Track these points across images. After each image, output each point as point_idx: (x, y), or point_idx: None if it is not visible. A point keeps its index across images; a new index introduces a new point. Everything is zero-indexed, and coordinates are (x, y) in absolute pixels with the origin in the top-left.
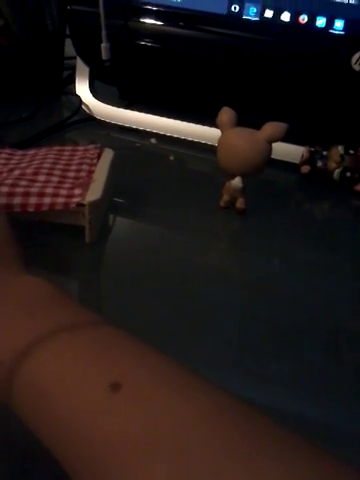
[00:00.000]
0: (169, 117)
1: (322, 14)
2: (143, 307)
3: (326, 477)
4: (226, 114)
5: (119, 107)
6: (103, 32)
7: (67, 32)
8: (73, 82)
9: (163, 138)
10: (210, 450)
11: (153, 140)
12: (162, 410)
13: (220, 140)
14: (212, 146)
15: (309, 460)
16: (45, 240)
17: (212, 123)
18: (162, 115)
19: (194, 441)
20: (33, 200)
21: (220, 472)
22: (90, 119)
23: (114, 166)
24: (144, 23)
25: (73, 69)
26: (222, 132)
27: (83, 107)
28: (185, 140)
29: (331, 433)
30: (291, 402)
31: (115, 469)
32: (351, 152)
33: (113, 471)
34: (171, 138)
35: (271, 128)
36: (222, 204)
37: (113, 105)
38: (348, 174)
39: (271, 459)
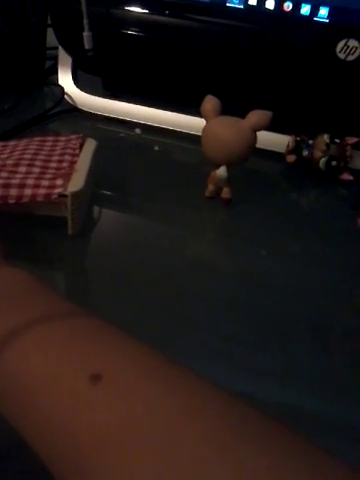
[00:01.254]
0: (153, 107)
1: (307, 2)
2: (128, 299)
3: (312, 470)
4: (210, 103)
5: (103, 97)
6: (85, 21)
7: (49, 21)
8: (56, 72)
9: (148, 128)
10: (194, 442)
11: (138, 130)
12: (145, 402)
13: (204, 129)
14: (197, 136)
15: (295, 453)
16: (27, 232)
17: (197, 113)
18: (146, 105)
19: (177, 433)
20: (14, 192)
21: (204, 464)
22: (73, 110)
23: (97, 156)
24: (127, 11)
25: (56, 59)
26: (206, 121)
27: (66, 98)
28: (170, 130)
29: (320, 423)
30: (280, 393)
31: (98, 462)
32: (337, 141)
33: (96, 464)
34: (156, 128)
35: (256, 116)
36: (207, 194)
37: (97, 95)
38: (334, 163)
39: (255, 451)
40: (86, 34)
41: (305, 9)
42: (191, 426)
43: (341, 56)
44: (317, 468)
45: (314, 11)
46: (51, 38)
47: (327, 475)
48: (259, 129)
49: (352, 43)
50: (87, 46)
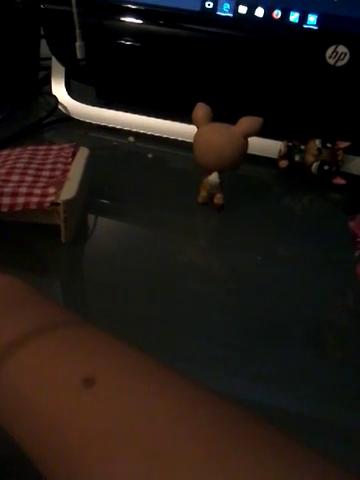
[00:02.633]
0: (146, 115)
1: (295, 9)
2: (123, 306)
3: (300, 469)
4: (201, 110)
5: (96, 106)
6: (77, 31)
7: (42, 32)
8: (49, 83)
9: (141, 136)
10: (184, 446)
11: (131, 138)
12: (136, 405)
13: (196, 136)
14: (190, 143)
15: (288, 456)
16: (20, 240)
17: (190, 120)
18: (139, 113)
19: (169, 437)
20: (6, 200)
21: (194, 468)
22: (67, 119)
23: (90, 164)
24: (118, 21)
25: (49, 70)
26: (198, 128)
27: (60, 107)
28: (163, 138)
29: (315, 426)
30: (275, 397)
31: (90, 465)
32: (328, 145)
33: (88, 467)
34: (149, 136)
35: (247, 122)
36: (200, 200)
37: (90, 104)
38: (326, 167)
39: (246, 455)
40: (78, 44)
41: (294, 16)
42: (182, 430)
43: (331, 62)
44: (310, 471)
45: (303, 18)
46: (44, 49)
47: (316, 472)
48: (250, 135)
49: (341, 49)
50: (79, 56)
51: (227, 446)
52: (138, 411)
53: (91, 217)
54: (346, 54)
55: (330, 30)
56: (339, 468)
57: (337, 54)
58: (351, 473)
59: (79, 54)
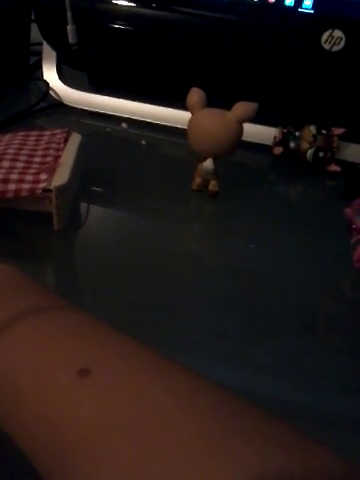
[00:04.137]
0: (140, 101)
1: None
2: (116, 294)
3: (301, 461)
4: (195, 95)
5: (88, 92)
6: (68, 14)
7: (32, 17)
8: (40, 68)
9: (134, 123)
10: (183, 436)
11: (124, 125)
12: (132, 395)
13: (190, 121)
14: (184, 130)
15: (284, 443)
16: (12, 228)
17: (183, 106)
18: (132, 99)
19: (165, 425)
20: None
21: (194, 458)
22: (59, 105)
23: (82, 150)
24: (112, 4)
25: (40, 55)
26: (192, 113)
27: (51, 93)
28: (157, 124)
29: (314, 415)
30: (272, 386)
31: (84, 455)
32: (323, 132)
33: (82, 458)
34: (142, 122)
35: (241, 108)
36: (194, 187)
37: (82, 90)
38: (321, 154)
39: (243, 442)
40: (70, 28)
41: (289, 0)
42: (180, 420)
43: (326, 47)
44: (308, 461)
45: (298, 2)
46: (36, 34)
47: (319, 464)
48: (245, 120)
49: (337, 34)
50: (71, 40)
51: (227, 436)
52: (135, 401)
53: (83, 204)
54: (342, 39)
55: (326, 14)
56: (334, 452)
57: (333, 39)
58: (345, 460)
59: (71, 38)
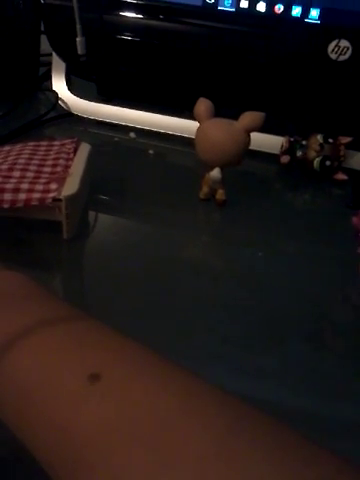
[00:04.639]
0: (148, 111)
1: (297, 3)
2: (125, 302)
3: (307, 466)
4: (203, 105)
5: (97, 102)
6: (77, 26)
7: (42, 28)
8: (50, 78)
9: (142, 132)
10: (190, 439)
11: (132, 134)
12: (141, 400)
13: (198, 131)
14: (191, 139)
15: (288, 446)
16: (22, 237)
17: (191, 116)
18: (140, 109)
19: (174, 430)
20: (8, 196)
21: (201, 460)
22: (68, 115)
23: (91, 160)
24: (120, 16)
25: (50, 66)
26: (200, 123)
27: (60, 103)
28: (165, 134)
29: (319, 422)
30: (277, 393)
31: (93, 459)
32: (330, 141)
33: (91, 461)
34: (150, 132)
35: (249, 117)
36: (202, 196)
37: (91, 100)
38: (328, 163)
39: (249, 444)
40: (79, 39)
41: (296, 11)
42: (188, 423)
43: (333, 56)
44: (312, 464)
45: (305, 12)
46: (45, 45)
47: (320, 468)
48: (252, 130)
49: (343, 43)
50: (80, 51)
51: (233, 439)
52: (144, 406)
53: (92, 213)
54: (348, 48)
55: (332, 24)
56: (337, 455)
57: (339, 48)
58: (349, 461)
59: (80, 50)
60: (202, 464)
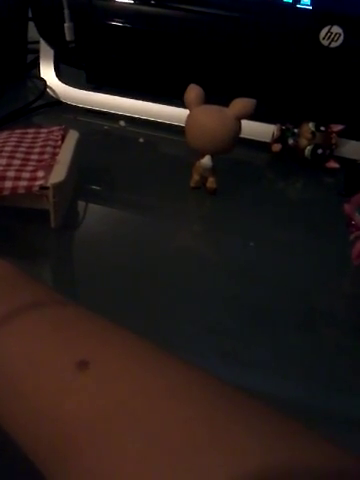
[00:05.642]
0: (138, 99)
1: None
2: (114, 292)
3: (305, 454)
4: (193, 91)
5: (86, 90)
6: (66, 11)
7: (30, 15)
8: (38, 66)
9: (132, 120)
10: (183, 425)
11: (122, 123)
12: (132, 386)
13: (188, 118)
14: (182, 127)
15: (287, 435)
16: (9, 225)
17: (181, 104)
18: (130, 97)
19: (166, 416)
20: None
21: (195, 443)
22: (56, 103)
23: (81, 149)
24: (109, 1)
25: (38, 53)
26: (190, 110)
27: (49, 91)
28: (155, 122)
29: (312, 412)
30: (270, 383)
31: (86, 446)
32: (322, 129)
33: (84, 449)
34: (140, 120)
35: (240, 104)
36: (192, 184)
37: (80, 88)
38: (319, 151)
39: (246, 431)
40: (67, 25)
41: None
42: (180, 409)
43: (325, 43)
44: (307, 449)
45: None
46: (33, 32)
47: (315, 453)
48: (243, 117)
49: (335, 30)
50: (68, 38)
51: (227, 424)
52: (134, 392)
53: (81, 203)
54: (340, 35)
55: (324, 10)
56: (333, 443)
57: (331, 35)
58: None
59: (68, 36)
60: (198, 449)
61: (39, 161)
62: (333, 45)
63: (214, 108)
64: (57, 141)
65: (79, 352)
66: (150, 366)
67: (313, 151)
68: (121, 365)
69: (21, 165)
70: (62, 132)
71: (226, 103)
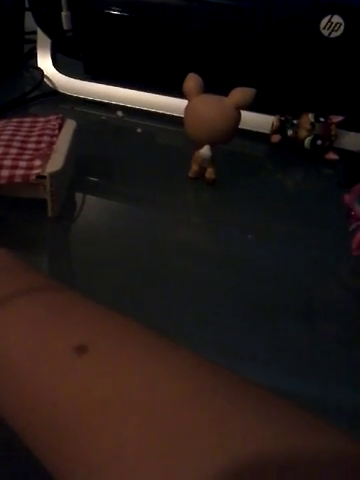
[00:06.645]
0: (136, 89)
1: None
2: (111, 283)
3: (299, 431)
4: (192, 80)
5: (84, 80)
6: (63, 0)
7: (26, 5)
8: (35, 56)
9: (130, 111)
10: (180, 406)
11: (119, 113)
12: (130, 369)
13: (187, 108)
14: (180, 118)
15: (281, 415)
16: (5, 215)
17: (180, 94)
18: (128, 87)
19: (164, 398)
20: None
21: (197, 428)
22: (53, 93)
23: (78, 139)
24: None
25: (35, 43)
26: (189, 99)
27: (46, 81)
28: (152, 112)
29: (311, 404)
30: (268, 376)
31: (84, 431)
32: (321, 120)
33: (81, 432)
34: (138, 111)
35: (239, 94)
36: (191, 175)
37: (77, 78)
38: (319, 142)
39: (251, 416)
40: (64, 14)
41: None
42: (178, 391)
43: (325, 33)
44: (307, 431)
45: None
46: (30, 23)
47: (329, 442)
48: (242, 107)
49: (336, 19)
50: (65, 26)
51: (232, 413)
52: (133, 375)
53: (78, 193)
54: (341, 25)
55: (325, 0)
56: (335, 426)
57: (332, 25)
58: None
59: (65, 24)
60: (200, 434)
61: (36, 150)
62: (333, 35)
63: (213, 98)
64: (54, 130)
65: (77, 336)
66: (149, 349)
67: (312, 142)
68: (120, 348)
69: (18, 154)
70: (59, 121)
71: (225, 93)
